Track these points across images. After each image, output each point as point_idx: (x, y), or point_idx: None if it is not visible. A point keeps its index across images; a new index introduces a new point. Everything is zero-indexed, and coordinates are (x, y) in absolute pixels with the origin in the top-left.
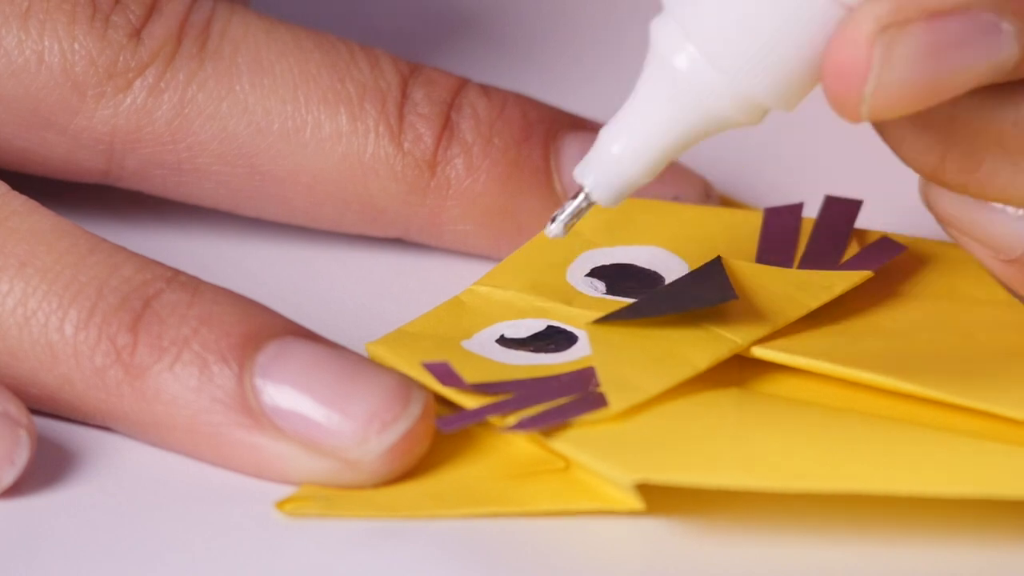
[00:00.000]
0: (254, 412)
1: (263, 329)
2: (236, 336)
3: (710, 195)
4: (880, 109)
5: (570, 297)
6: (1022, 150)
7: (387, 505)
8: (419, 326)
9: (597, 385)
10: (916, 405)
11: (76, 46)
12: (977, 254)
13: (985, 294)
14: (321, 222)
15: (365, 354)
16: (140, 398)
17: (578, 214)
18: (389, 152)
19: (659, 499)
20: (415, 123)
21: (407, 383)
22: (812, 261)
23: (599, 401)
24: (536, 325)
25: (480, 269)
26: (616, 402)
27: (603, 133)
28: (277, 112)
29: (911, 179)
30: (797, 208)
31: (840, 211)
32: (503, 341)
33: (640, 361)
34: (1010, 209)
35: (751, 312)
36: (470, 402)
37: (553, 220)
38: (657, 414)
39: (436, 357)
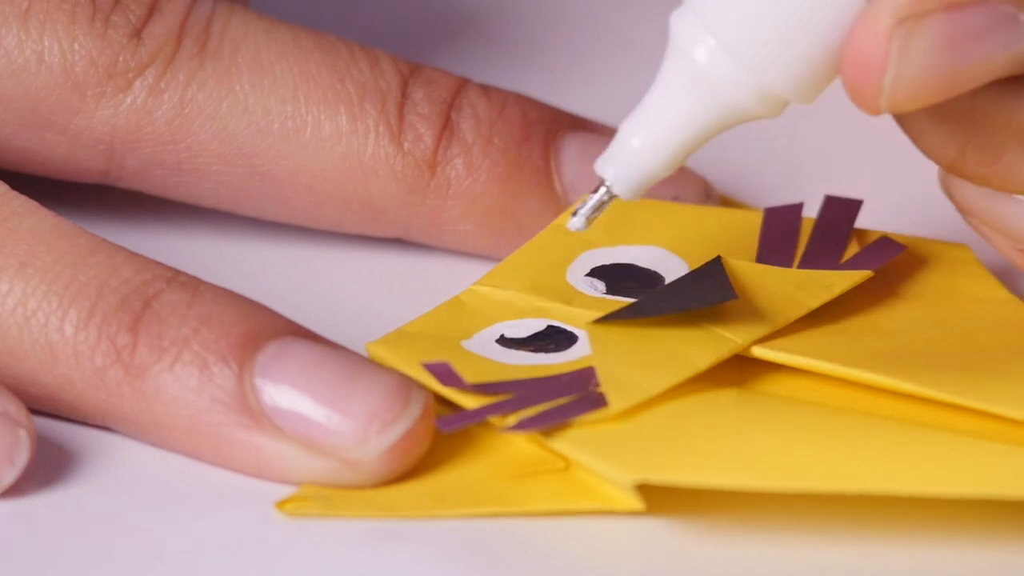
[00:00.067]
0: (254, 412)
1: (263, 329)
2: (236, 336)
3: (710, 195)
4: (899, 101)
5: (570, 297)
6: None
7: (387, 505)
8: (419, 326)
9: (597, 385)
10: (916, 405)
11: (76, 46)
12: (997, 244)
13: (985, 293)
14: (321, 222)
15: (365, 354)
16: (140, 398)
17: (600, 207)
18: (389, 152)
19: (659, 499)
20: (415, 123)
21: (407, 383)
22: (812, 261)
23: (599, 401)
24: (536, 325)
25: (480, 269)
26: (616, 402)
27: (623, 126)
28: (277, 112)
29: (911, 179)
30: (797, 208)
31: (840, 211)
32: (503, 341)
33: (640, 361)
34: None
35: (751, 312)
36: (470, 402)
37: (575, 214)
38: (657, 414)
39: (436, 357)
